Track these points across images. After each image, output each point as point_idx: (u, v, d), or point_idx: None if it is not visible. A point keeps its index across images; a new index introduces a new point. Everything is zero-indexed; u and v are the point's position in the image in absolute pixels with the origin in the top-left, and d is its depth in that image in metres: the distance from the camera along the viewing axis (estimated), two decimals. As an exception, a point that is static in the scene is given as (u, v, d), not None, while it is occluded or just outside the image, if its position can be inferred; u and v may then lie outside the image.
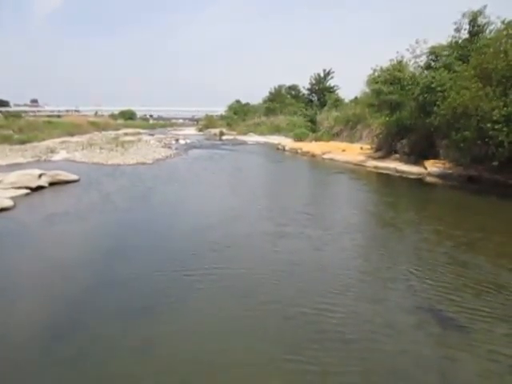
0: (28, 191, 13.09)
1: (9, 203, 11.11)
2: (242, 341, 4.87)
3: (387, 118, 22.61)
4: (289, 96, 62.99)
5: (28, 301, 5.92)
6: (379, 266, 7.35)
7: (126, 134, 46.34)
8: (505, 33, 15.63)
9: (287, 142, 35.52)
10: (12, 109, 79.27)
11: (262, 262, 7.46)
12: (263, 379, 4.21)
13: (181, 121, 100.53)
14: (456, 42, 20.58)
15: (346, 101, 44.10)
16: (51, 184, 14.37)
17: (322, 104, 47.70)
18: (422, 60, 21.95)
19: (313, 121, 41.22)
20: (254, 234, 9.13)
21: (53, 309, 5.67)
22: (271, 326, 5.14)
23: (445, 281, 6.57)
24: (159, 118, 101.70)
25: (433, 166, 18.34)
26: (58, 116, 68.16)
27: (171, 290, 6.17)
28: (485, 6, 19.40)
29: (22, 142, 29.23)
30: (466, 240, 8.80)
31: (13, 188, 12.89)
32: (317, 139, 35.48)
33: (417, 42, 21.37)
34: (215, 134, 53.55)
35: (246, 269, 7.04)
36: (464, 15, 19.79)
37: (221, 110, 78.29)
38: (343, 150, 26.47)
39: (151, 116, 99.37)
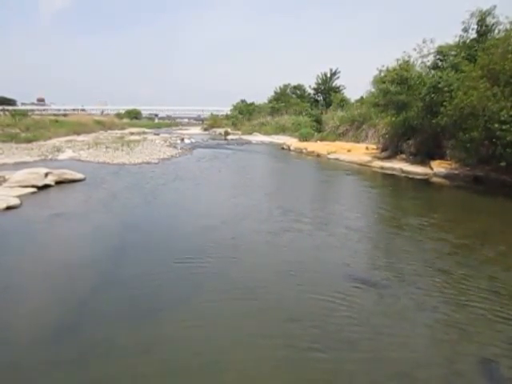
0: (34, 190, 13.14)
1: (15, 202, 11.16)
2: (245, 342, 4.85)
3: (393, 118, 22.50)
4: (294, 96, 62.93)
5: (31, 300, 5.94)
6: (385, 268, 7.30)
7: (131, 134, 46.43)
8: (513, 33, 15.55)
9: (292, 142, 35.42)
10: (19, 107, 79.57)
11: (268, 261, 7.45)
12: (266, 380, 4.20)
13: (186, 120, 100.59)
14: (464, 42, 20.46)
15: (352, 101, 44.00)
16: (57, 183, 14.42)
17: (328, 104, 47.63)
18: (429, 60, 21.87)
19: (318, 121, 41.16)
20: (260, 234, 9.12)
21: (56, 308, 5.68)
22: (275, 326, 5.12)
23: (452, 282, 6.54)
24: (165, 117, 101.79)
25: (439, 167, 18.24)
26: (65, 115, 68.29)
27: (176, 289, 6.18)
28: (494, 6, 19.27)
29: (29, 141, 29.37)
30: (471, 241, 8.76)
31: (19, 186, 12.95)
32: (322, 139, 35.37)
33: (424, 42, 21.30)
34: (220, 134, 53.52)
35: (252, 268, 7.03)
36: (472, 15, 19.67)
37: (226, 109, 78.35)
38: (349, 150, 26.38)
39: (157, 115, 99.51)
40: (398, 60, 22.51)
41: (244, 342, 4.85)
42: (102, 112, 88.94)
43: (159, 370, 4.24)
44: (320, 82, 53.64)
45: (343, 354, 4.59)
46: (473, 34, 20.26)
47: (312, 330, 5.04)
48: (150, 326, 5.09)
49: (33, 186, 13.24)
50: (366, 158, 22.99)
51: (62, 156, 23.01)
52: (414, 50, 21.74)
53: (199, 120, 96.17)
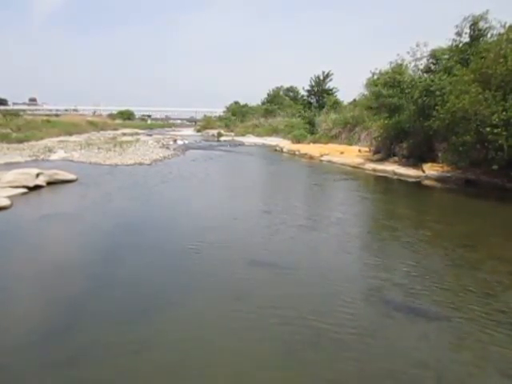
0: (25, 190, 13.00)
1: (6, 202, 11.03)
2: (241, 342, 4.83)
3: (386, 121, 22.57)
4: (287, 98, 63.11)
5: (22, 302, 5.88)
6: (376, 269, 7.31)
7: (124, 134, 46.30)
8: (505, 37, 15.65)
9: (285, 144, 35.48)
10: (10, 107, 79.22)
11: (261, 263, 7.42)
12: (261, 381, 4.18)
13: (179, 121, 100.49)
14: (456, 46, 20.54)
15: (345, 103, 44.14)
16: (49, 183, 14.29)
17: (321, 106, 47.67)
18: (422, 63, 21.99)
19: (311, 123, 41.20)
20: (252, 236, 9.11)
21: (48, 310, 5.61)
22: (270, 328, 5.10)
23: (443, 283, 6.56)
24: (157, 118, 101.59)
25: (431, 169, 18.33)
26: (57, 115, 68.06)
27: (170, 290, 6.14)
28: (487, 11, 19.38)
29: (20, 141, 29.14)
30: (461, 243, 8.80)
31: (10, 187, 12.81)
32: (315, 141, 35.43)
33: (417, 45, 21.40)
34: (213, 135, 53.61)
35: (247, 270, 7.01)
36: (465, 19, 19.75)
37: (219, 110, 78.55)
38: (341, 153, 26.44)
39: (149, 116, 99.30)
40: (391, 63, 22.68)
41: (237, 342, 4.81)
42: (94, 112, 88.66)
43: (153, 371, 4.20)
44: (313, 84, 53.71)
45: (337, 354, 4.58)
46: (466, 38, 20.33)
47: (307, 332, 5.03)
48: (143, 326, 5.04)
49: (24, 187, 13.10)
50: (359, 161, 23.05)
51: (53, 156, 22.85)
52: (408, 53, 21.88)
53: (192, 121, 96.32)
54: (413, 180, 17.92)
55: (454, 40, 20.69)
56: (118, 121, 73.85)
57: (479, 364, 4.52)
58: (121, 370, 4.27)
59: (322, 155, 26.32)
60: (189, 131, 67.35)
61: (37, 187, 13.58)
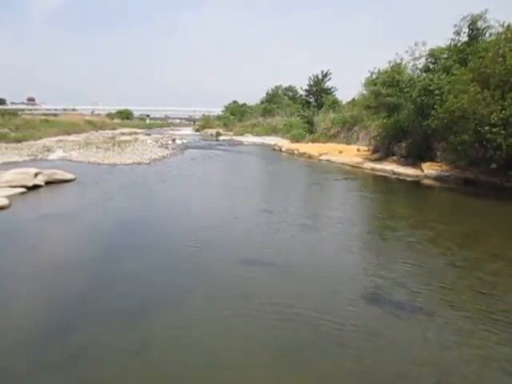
0: (24, 190, 12.98)
1: (4, 202, 11.01)
2: (241, 341, 4.82)
3: (385, 120, 22.58)
4: (286, 97, 63.10)
5: (22, 302, 5.86)
6: (377, 268, 7.31)
7: (122, 134, 46.26)
8: (503, 37, 15.65)
9: (284, 143, 35.45)
10: (9, 107, 79.10)
11: (261, 263, 7.41)
12: (261, 381, 4.18)
13: (178, 121, 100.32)
14: (455, 45, 20.53)
15: (344, 102, 44.11)
16: (47, 183, 14.27)
17: (320, 105, 47.63)
18: (421, 62, 21.98)
19: (310, 122, 41.16)
20: (253, 235, 9.11)
21: (47, 310, 5.61)
22: (270, 327, 5.10)
23: (443, 282, 6.56)
24: (156, 118, 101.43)
25: (430, 169, 18.33)
26: (55, 115, 67.87)
27: (170, 290, 6.13)
28: (485, 11, 19.37)
29: (19, 141, 29.12)
30: (461, 242, 8.81)
31: (9, 187, 12.79)
32: (314, 140, 35.41)
33: (416, 45, 21.38)
34: (212, 135, 53.53)
35: (243, 270, 7.00)
36: (464, 19, 19.74)
37: (218, 110, 78.54)
38: (340, 152, 26.43)
39: (148, 116, 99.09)
40: (389, 62, 22.67)
41: (238, 342, 4.81)
42: (93, 112, 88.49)
43: (153, 371, 4.19)
44: (312, 83, 53.67)
45: (338, 353, 4.58)
46: (464, 38, 20.31)
47: (308, 330, 5.03)
48: (143, 326, 5.04)
49: (22, 186, 13.08)
50: (358, 160, 23.05)
51: (52, 156, 22.83)
52: (406, 52, 21.86)
53: (191, 121, 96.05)
54: (412, 179, 17.92)
55: (453, 39, 20.70)
56: (117, 120, 73.78)
57: (482, 362, 4.52)
58: (121, 370, 4.27)
59: (320, 154, 26.33)
60: (187, 131, 67.27)
61: (35, 187, 13.57)
